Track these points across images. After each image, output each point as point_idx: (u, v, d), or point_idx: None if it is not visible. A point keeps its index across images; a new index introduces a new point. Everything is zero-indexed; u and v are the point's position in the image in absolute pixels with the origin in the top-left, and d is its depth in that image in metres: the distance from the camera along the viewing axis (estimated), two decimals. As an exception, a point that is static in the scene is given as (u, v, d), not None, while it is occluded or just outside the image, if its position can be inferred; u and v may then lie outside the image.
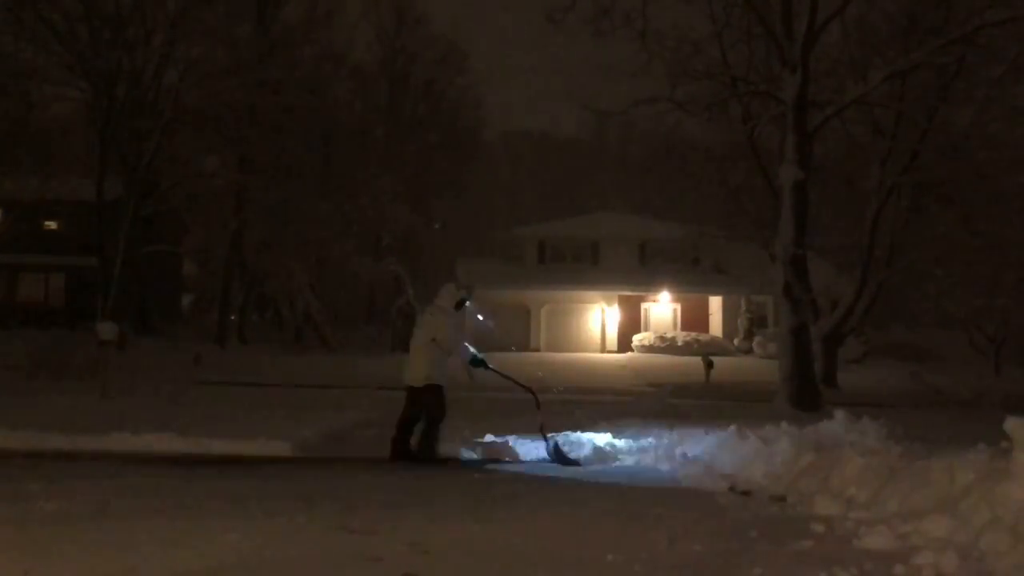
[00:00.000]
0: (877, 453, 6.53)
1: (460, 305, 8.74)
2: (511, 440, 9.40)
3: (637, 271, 34.72)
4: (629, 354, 32.78)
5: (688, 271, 34.22)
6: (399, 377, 8.87)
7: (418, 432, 8.53)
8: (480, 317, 8.93)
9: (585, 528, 5.53)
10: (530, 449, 9.07)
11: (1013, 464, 5.09)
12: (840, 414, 8.14)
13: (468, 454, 8.93)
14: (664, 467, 8.18)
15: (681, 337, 33.38)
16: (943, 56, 16.42)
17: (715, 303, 35.32)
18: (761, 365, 26.60)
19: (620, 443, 9.37)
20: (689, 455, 8.28)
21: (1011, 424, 5.25)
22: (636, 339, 33.70)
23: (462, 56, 49.00)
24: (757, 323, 33.73)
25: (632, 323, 34.63)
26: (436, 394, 8.45)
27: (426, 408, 8.45)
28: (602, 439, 9.44)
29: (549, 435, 8.88)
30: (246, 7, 29.78)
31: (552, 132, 61.12)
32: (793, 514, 5.93)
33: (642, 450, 8.98)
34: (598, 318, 34.88)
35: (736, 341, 33.62)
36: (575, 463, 8.47)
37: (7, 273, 31.95)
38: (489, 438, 9.53)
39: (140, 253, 27.10)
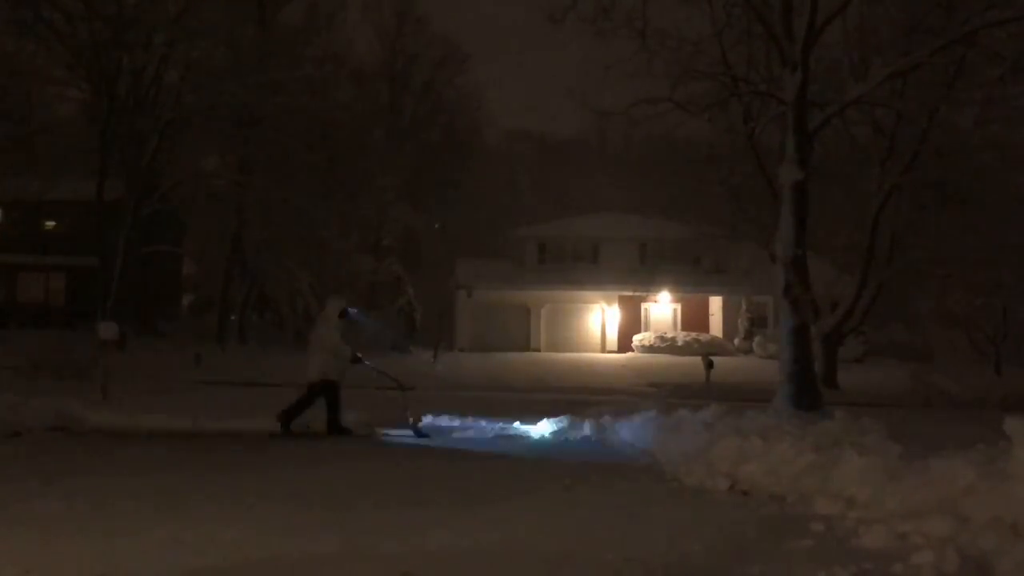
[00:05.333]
0: (877, 453, 6.53)
1: (343, 314, 10.69)
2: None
3: (637, 271, 34.71)
4: (629, 354, 32.77)
5: (688, 271, 34.22)
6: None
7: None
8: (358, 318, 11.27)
9: (584, 527, 5.53)
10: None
11: (1013, 464, 5.10)
12: (840, 414, 8.15)
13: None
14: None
15: (681, 337, 33.37)
16: (944, 56, 16.39)
17: (715, 303, 35.31)
18: (761, 365, 26.60)
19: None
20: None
21: (1011, 424, 5.26)
22: (636, 339, 33.70)
23: (462, 57, 49.07)
24: (757, 323, 33.71)
25: (632, 323, 34.62)
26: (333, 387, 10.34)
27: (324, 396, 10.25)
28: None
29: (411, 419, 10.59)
30: (247, 8, 29.77)
31: (552, 132, 61.06)
32: (793, 513, 5.93)
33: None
34: (598, 318, 34.87)
35: (736, 341, 33.62)
36: (426, 436, 10.28)
37: (7, 273, 31.95)
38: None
39: (140, 253, 27.08)
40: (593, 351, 33.79)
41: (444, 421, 11.63)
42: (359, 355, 10.69)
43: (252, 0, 30.45)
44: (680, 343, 32.80)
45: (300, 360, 11.49)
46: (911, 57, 15.90)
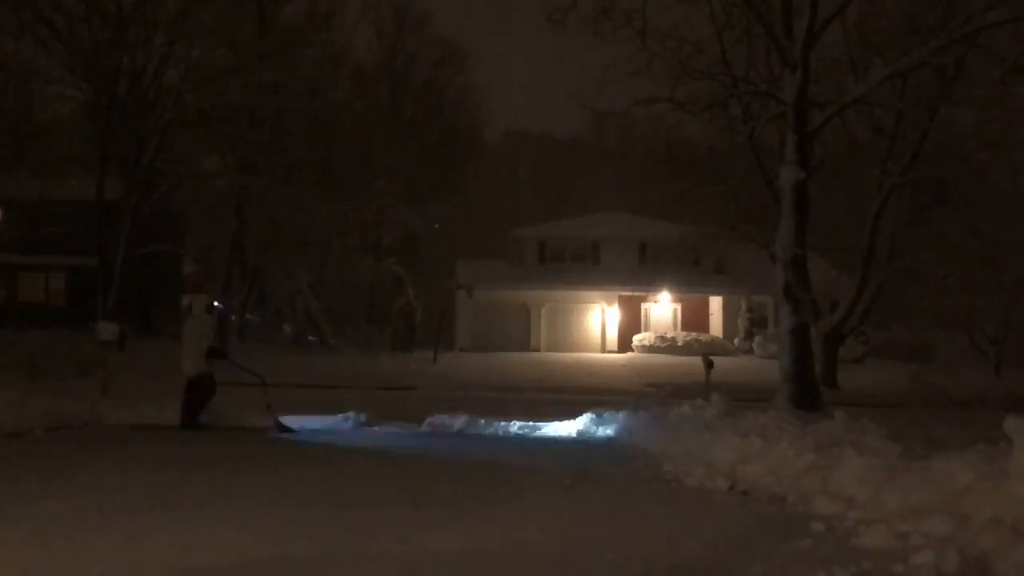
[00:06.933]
0: (877, 453, 6.53)
1: (210, 310, 11.50)
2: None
3: (637, 271, 34.70)
4: (629, 354, 32.77)
5: (688, 271, 34.16)
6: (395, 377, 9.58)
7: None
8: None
9: (585, 527, 5.54)
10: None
11: (1013, 464, 5.10)
12: (840, 414, 8.15)
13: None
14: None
15: (681, 337, 33.37)
16: (943, 56, 16.40)
17: (715, 303, 35.31)
18: (761, 365, 26.59)
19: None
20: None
21: (1011, 424, 5.26)
22: (636, 339, 33.69)
23: (462, 56, 49.05)
24: (757, 323, 33.71)
25: (632, 323, 34.62)
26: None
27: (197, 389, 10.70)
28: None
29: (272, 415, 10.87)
30: (246, 7, 29.74)
31: (552, 132, 61.08)
32: (793, 513, 5.94)
33: None
34: (598, 318, 34.86)
35: (736, 341, 33.61)
36: (291, 431, 10.66)
37: (7, 273, 31.91)
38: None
39: (140, 253, 27.06)
40: (593, 351, 33.78)
41: (449, 419, 11.72)
42: (219, 350, 11.31)
43: (252, 0, 30.42)
44: (680, 343, 32.80)
45: (300, 360, 11.59)
46: (911, 57, 15.90)
